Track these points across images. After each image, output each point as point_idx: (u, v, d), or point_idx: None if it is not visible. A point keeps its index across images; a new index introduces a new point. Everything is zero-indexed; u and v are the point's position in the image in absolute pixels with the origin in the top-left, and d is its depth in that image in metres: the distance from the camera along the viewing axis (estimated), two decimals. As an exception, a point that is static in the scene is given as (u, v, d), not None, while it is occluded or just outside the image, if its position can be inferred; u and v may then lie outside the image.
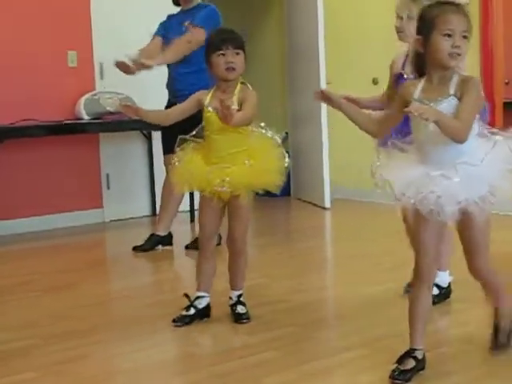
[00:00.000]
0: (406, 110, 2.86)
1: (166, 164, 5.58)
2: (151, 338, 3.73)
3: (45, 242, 6.36)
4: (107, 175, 7.20)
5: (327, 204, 7.39)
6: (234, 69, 3.75)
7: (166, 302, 4.45)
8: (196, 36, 5.31)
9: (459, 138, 2.87)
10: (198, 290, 3.95)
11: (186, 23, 5.47)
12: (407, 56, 4.09)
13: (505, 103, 6.67)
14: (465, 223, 3.02)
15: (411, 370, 3.05)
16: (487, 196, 2.93)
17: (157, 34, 5.71)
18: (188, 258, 5.62)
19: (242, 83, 3.83)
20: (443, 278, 4.14)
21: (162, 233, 5.82)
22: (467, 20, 2.98)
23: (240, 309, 3.90)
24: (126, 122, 6.88)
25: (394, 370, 3.05)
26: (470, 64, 6.55)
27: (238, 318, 3.86)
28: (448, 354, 3.36)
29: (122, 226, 7.01)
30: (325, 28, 7.34)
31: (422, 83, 3.01)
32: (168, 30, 5.66)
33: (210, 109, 3.77)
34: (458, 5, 3.00)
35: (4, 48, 6.58)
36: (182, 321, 3.86)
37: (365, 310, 4.05)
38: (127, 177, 7.30)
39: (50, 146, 6.80)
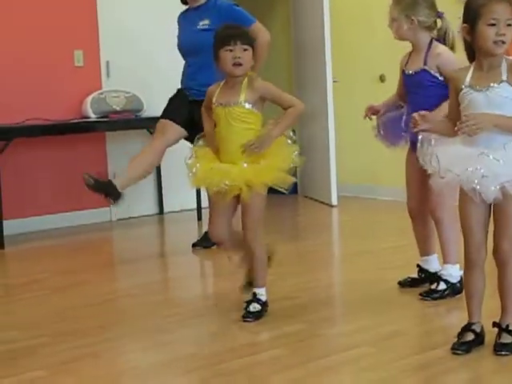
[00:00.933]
0: (456, 129, 2.98)
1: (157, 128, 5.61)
2: (159, 337, 3.74)
3: (52, 241, 6.37)
4: (114, 174, 7.20)
5: (334, 201, 7.39)
6: (241, 64, 3.75)
7: (173, 300, 4.47)
8: (262, 32, 5.30)
9: None
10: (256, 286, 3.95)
11: (202, 24, 5.44)
12: (410, 53, 4.15)
13: None
14: (501, 204, 3.08)
15: (470, 342, 3.21)
16: None
17: None
18: (195, 256, 5.63)
19: (248, 76, 3.82)
20: (453, 272, 4.13)
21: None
22: (511, 8, 3.04)
23: (252, 307, 3.88)
24: (133, 121, 6.90)
25: (454, 343, 3.20)
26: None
27: (244, 315, 3.86)
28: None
29: (130, 224, 7.02)
30: (331, 25, 7.33)
31: (471, 70, 3.12)
32: (179, 34, 5.64)
33: (217, 104, 3.81)
34: None
35: (11, 48, 6.59)
36: (255, 316, 3.86)
37: (372, 307, 4.05)
38: (134, 175, 7.29)
39: (56, 144, 6.81)
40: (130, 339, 3.73)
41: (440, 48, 4.06)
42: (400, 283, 4.34)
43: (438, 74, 4.00)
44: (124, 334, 3.81)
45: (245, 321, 3.82)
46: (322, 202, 7.61)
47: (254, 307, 3.88)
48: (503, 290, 3.21)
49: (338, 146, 7.46)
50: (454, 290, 4.12)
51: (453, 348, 3.21)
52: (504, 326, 3.21)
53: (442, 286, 4.13)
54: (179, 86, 5.64)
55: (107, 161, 7.15)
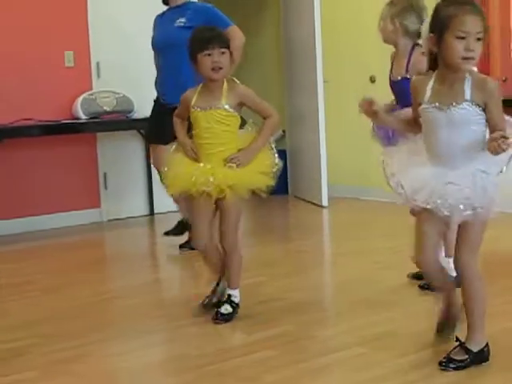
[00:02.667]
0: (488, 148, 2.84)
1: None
2: (150, 337, 3.74)
3: (43, 242, 6.36)
4: (105, 174, 7.20)
5: (324, 202, 7.40)
6: (220, 68, 3.74)
7: (164, 301, 4.47)
8: (238, 35, 5.38)
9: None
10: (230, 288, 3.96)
11: (179, 21, 5.49)
12: (394, 57, 4.18)
13: (503, 100, 6.65)
14: (464, 222, 3.03)
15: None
16: (494, 204, 2.94)
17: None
18: (185, 258, 5.63)
19: (227, 80, 3.82)
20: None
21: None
22: (483, 20, 2.85)
23: (223, 309, 3.89)
24: (124, 122, 6.90)
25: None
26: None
27: (214, 317, 3.86)
28: (442, 351, 3.37)
29: (120, 225, 7.01)
30: (322, 26, 7.34)
31: (431, 82, 2.97)
32: (154, 34, 5.69)
33: (196, 108, 3.80)
34: (473, 4, 2.88)
35: (2, 48, 6.58)
36: (225, 318, 3.87)
37: (362, 308, 4.06)
38: (125, 176, 7.30)
39: (47, 145, 6.80)
40: (121, 340, 3.72)
41: (421, 55, 4.06)
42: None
43: None
44: (114, 334, 3.81)
45: (216, 323, 3.83)
46: (312, 203, 7.62)
47: (226, 309, 3.88)
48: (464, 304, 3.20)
49: (328, 146, 7.46)
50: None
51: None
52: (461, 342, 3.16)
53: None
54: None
55: (98, 162, 7.15)
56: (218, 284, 4.04)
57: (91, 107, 6.79)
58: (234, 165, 3.74)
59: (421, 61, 3.93)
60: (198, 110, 3.79)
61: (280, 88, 8.55)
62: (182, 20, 5.46)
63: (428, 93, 2.96)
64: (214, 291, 4.04)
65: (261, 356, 3.38)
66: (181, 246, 5.72)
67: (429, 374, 3.09)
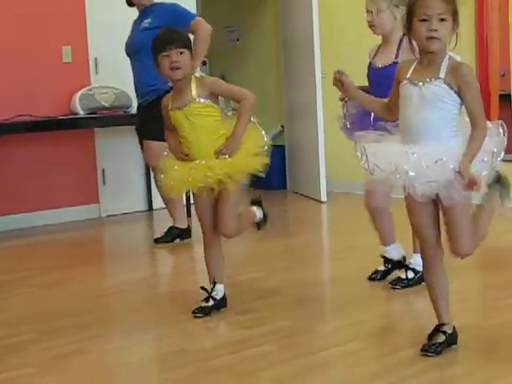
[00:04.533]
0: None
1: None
2: (148, 333, 3.74)
3: (41, 238, 6.36)
4: (103, 170, 7.20)
5: (323, 197, 7.39)
6: (178, 68, 3.76)
7: (161, 296, 4.46)
8: (203, 26, 5.44)
9: (485, 137, 2.98)
10: (211, 281, 3.96)
11: (145, 22, 5.58)
12: (379, 47, 4.16)
13: (500, 95, 6.67)
14: (443, 208, 3.08)
15: (441, 343, 3.15)
16: (456, 181, 2.95)
17: None
18: (184, 253, 5.63)
19: (195, 77, 3.85)
20: (417, 261, 4.18)
21: (181, 225, 5.80)
22: (446, 3, 2.95)
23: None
24: (122, 117, 6.88)
25: (424, 345, 3.15)
26: (465, 56, 6.59)
27: (195, 310, 3.91)
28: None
29: (119, 221, 7.01)
30: (320, 20, 7.33)
31: (415, 64, 3.07)
32: (129, 36, 5.85)
33: (174, 110, 3.83)
34: None
35: (-1, 44, 6.58)
36: (202, 312, 3.88)
37: (361, 303, 4.06)
38: (123, 172, 7.29)
39: (45, 141, 6.79)
40: (119, 335, 3.72)
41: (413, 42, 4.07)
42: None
43: None
44: (112, 330, 3.81)
45: (195, 316, 3.86)
46: (311, 198, 7.61)
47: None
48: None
49: (327, 141, 7.45)
50: (421, 277, 4.16)
51: (422, 349, 3.15)
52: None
53: (410, 274, 4.19)
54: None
55: (96, 157, 7.15)
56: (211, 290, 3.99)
57: (89, 103, 6.78)
58: (226, 155, 3.75)
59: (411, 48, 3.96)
60: (176, 110, 3.83)
61: (278, 83, 8.54)
62: (147, 21, 5.59)
63: (409, 72, 3.06)
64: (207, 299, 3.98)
65: (259, 351, 3.37)
66: (156, 240, 5.76)
67: (428, 368, 3.08)
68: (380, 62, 4.14)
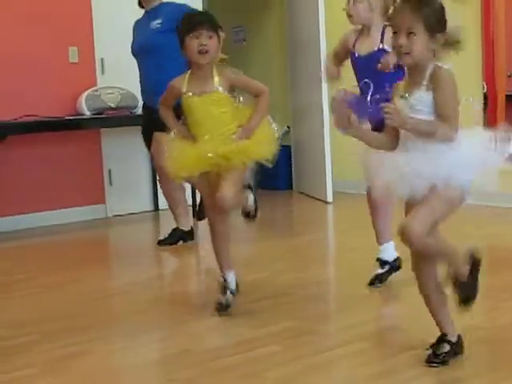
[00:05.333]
0: (383, 106, 2.89)
1: (153, 158, 5.73)
2: (151, 334, 3.74)
3: (47, 238, 6.37)
4: (109, 171, 7.20)
5: (329, 198, 7.38)
6: (206, 52, 3.72)
7: (166, 297, 4.46)
8: None
9: (447, 138, 2.87)
10: (222, 270, 3.95)
11: (155, 23, 5.55)
12: (359, 34, 4.16)
13: (507, 96, 6.66)
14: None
15: (447, 353, 3.09)
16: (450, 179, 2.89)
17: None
18: (189, 253, 5.63)
19: (216, 65, 3.82)
20: (389, 253, 4.19)
21: (184, 228, 5.80)
22: (416, 15, 2.84)
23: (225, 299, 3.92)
24: (128, 118, 6.89)
25: (429, 355, 3.09)
26: (472, 58, 6.59)
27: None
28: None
29: (125, 221, 7.01)
30: (326, 21, 7.32)
31: (407, 76, 3.02)
32: (135, 36, 5.80)
33: (190, 94, 3.78)
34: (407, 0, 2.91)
35: (6, 44, 6.58)
36: (224, 309, 3.88)
37: (366, 303, 4.05)
38: (129, 172, 7.30)
39: (51, 141, 6.80)
40: (123, 337, 3.71)
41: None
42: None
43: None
44: (117, 331, 3.80)
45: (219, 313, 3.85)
46: (317, 199, 7.60)
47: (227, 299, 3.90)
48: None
49: (333, 141, 7.43)
50: (393, 268, 4.28)
51: (428, 361, 3.09)
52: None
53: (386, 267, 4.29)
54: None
55: (102, 158, 7.15)
56: (225, 280, 3.97)
57: (95, 103, 6.79)
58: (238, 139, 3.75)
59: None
60: (192, 95, 3.78)
61: (284, 83, 8.53)
62: (159, 22, 5.54)
63: (401, 85, 3.00)
64: (224, 291, 3.97)
65: (264, 352, 3.37)
66: (159, 242, 5.76)
67: (431, 370, 3.06)
68: (364, 50, 4.14)
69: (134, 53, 5.77)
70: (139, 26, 5.77)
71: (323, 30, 7.30)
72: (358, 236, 5.81)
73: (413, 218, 2.92)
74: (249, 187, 4.01)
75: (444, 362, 3.08)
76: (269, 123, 3.89)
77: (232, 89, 3.83)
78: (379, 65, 3.99)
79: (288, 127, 8.32)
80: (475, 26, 6.54)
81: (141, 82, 5.80)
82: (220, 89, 3.76)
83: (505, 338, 3.44)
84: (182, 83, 3.82)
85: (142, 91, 5.85)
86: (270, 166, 3.85)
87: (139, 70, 5.79)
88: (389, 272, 4.30)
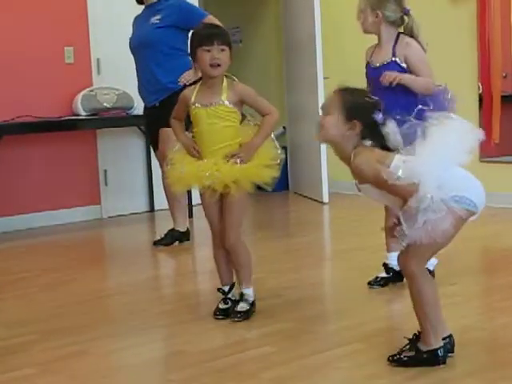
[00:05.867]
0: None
1: (159, 159, 5.68)
2: (149, 334, 3.74)
3: (42, 239, 6.37)
4: (105, 171, 7.20)
5: (325, 198, 7.39)
6: (218, 65, 3.73)
7: (163, 298, 4.46)
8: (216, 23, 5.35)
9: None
10: (222, 283, 3.95)
11: (154, 19, 5.54)
12: (375, 47, 4.17)
13: (503, 96, 6.67)
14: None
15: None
16: None
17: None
18: (185, 254, 5.63)
19: (226, 77, 3.81)
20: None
21: (181, 228, 5.80)
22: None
23: (240, 307, 3.86)
24: (124, 118, 6.90)
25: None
26: (467, 58, 6.60)
27: (232, 315, 3.84)
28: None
29: (120, 222, 7.02)
30: (322, 22, 7.33)
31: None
32: (134, 31, 5.79)
33: (197, 105, 3.78)
34: None
35: (1, 44, 6.57)
36: (222, 313, 3.87)
37: (362, 304, 4.06)
38: (125, 173, 7.30)
39: (47, 142, 6.80)
40: (121, 337, 3.71)
41: (408, 38, 4.11)
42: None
43: (405, 65, 4.05)
44: (114, 331, 3.80)
45: (234, 321, 3.80)
46: (312, 199, 7.61)
47: (242, 307, 3.85)
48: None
49: (329, 143, 7.45)
50: (397, 276, 4.23)
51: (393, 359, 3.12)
52: None
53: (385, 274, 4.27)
54: None
55: (97, 158, 7.15)
56: (229, 291, 3.97)
57: (91, 104, 6.79)
58: (238, 160, 3.72)
59: (418, 51, 4.00)
60: (199, 106, 3.78)
61: (280, 84, 8.54)
62: (158, 17, 5.55)
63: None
64: (225, 300, 3.95)
65: (260, 352, 3.37)
66: (155, 243, 5.76)
67: (428, 369, 3.07)
68: (378, 62, 4.15)
69: (132, 47, 5.75)
70: (139, 22, 5.75)
71: (319, 30, 7.31)
72: (354, 237, 5.83)
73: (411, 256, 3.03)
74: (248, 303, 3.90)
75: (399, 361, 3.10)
76: (272, 145, 3.84)
77: (241, 104, 3.81)
78: (381, 78, 4.00)
79: (284, 128, 8.34)
80: (471, 27, 6.55)
81: (138, 77, 5.77)
82: (226, 102, 3.74)
83: (500, 338, 3.45)
84: (192, 93, 3.83)
85: (138, 88, 5.82)
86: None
87: (136, 65, 5.76)
88: (392, 280, 4.28)
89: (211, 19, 5.42)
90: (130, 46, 5.75)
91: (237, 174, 3.71)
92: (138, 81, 5.78)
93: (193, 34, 3.89)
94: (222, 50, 3.73)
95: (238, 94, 3.78)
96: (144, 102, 5.82)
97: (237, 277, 3.95)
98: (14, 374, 3.24)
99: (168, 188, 5.69)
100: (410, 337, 3.15)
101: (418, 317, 3.12)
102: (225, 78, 3.79)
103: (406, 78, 4.01)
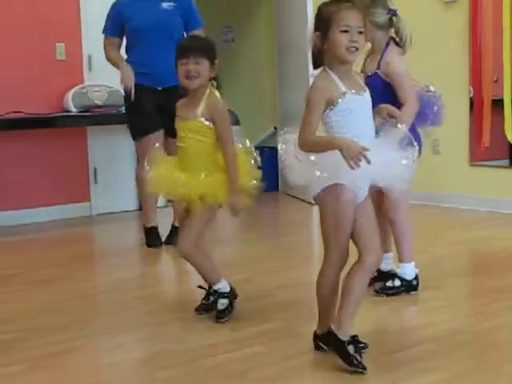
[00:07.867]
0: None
1: (144, 150, 5.36)
2: (137, 332, 3.73)
3: (31, 235, 6.35)
4: (95, 169, 7.19)
5: (315, 199, 7.38)
6: (193, 77, 3.72)
7: (151, 296, 4.45)
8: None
9: None
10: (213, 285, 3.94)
11: (166, 5, 5.51)
12: (368, 55, 4.17)
13: (493, 100, 6.69)
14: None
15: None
16: None
17: (113, 35, 5.70)
18: (175, 252, 5.61)
19: (210, 91, 3.79)
20: (407, 271, 4.16)
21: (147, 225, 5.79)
22: (362, 16, 3.06)
23: (220, 304, 3.85)
24: (114, 116, 6.88)
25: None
26: (459, 62, 6.61)
27: (216, 317, 3.83)
28: (429, 350, 3.36)
29: (109, 219, 7.00)
30: (314, 23, 7.33)
31: (335, 77, 3.15)
32: (133, 16, 5.57)
33: (178, 117, 3.82)
34: (351, 1, 3.07)
35: (-8, 40, 6.57)
36: (203, 309, 3.90)
37: (351, 305, 4.05)
38: (115, 170, 7.28)
39: (37, 138, 6.78)
40: (108, 335, 3.71)
41: (391, 55, 4.06)
42: None
43: (387, 79, 4.05)
44: (102, 329, 3.80)
45: (219, 322, 3.80)
46: (302, 200, 7.61)
47: (222, 303, 3.85)
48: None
49: (319, 144, 7.45)
50: (409, 287, 4.17)
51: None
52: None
53: (397, 282, 4.18)
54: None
55: (88, 155, 7.14)
56: (209, 287, 3.96)
57: (82, 101, 6.78)
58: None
59: (396, 71, 3.98)
60: (180, 119, 3.81)
61: (272, 84, 8.54)
62: (170, 4, 5.53)
63: (342, 87, 3.13)
64: (206, 296, 3.97)
65: (248, 352, 3.37)
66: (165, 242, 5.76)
67: (417, 371, 3.08)
68: (368, 70, 4.15)
69: (141, 28, 5.53)
70: (143, 4, 5.55)
71: (311, 31, 7.30)
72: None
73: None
74: (225, 296, 3.89)
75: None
76: (249, 166, 3.81)
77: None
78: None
79: (275, 128, 8.34)
80: (463, 31, 6.56)
81: (145, 59, 5.57)
82: (201, 118, 3.73)
83: (488, 341, 3.46)
84: (179, 104, 3.85)
85: (140, 67, 5.58)
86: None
87: (140, 45, 5.58)
88: (377, 280, 4.27)
89: (200, 32, 5.45)
90: (137, 27, 5.54)
91: (206, 189, 3.69)
92: (148, 60, 5.56)
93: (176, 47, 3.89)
94: (197, 62, 3.72)
95: (210, 109, 3.74)
96: (154, 82, 5.60)
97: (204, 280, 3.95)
98: (2, 371, 3.23)
99: (140, 181, 5.61)
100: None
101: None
102: (208, 92, 3.78)
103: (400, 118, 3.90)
